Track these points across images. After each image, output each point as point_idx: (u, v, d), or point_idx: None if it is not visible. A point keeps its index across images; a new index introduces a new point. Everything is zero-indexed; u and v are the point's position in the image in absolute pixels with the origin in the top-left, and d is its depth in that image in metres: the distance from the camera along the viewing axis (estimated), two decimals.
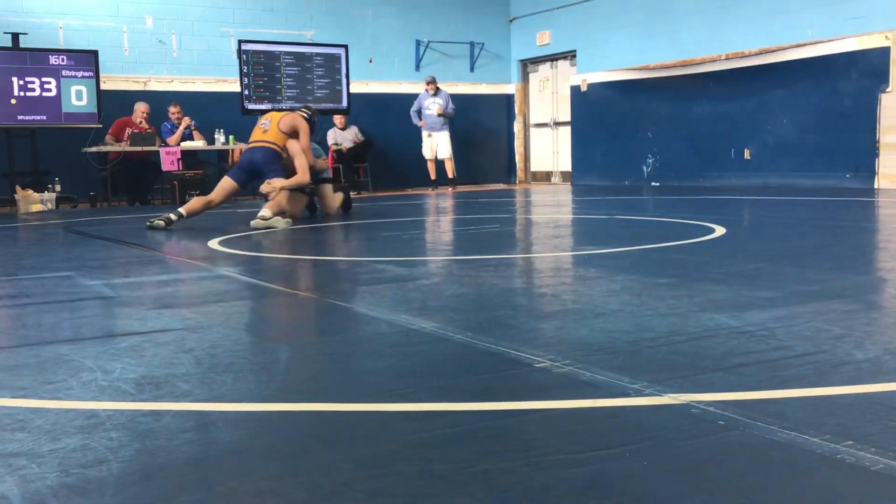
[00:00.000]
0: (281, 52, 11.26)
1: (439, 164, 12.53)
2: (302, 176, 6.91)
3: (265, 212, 6.43)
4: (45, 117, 9.90)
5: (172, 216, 6.51)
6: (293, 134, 7.03)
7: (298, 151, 6.96)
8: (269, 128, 7.02)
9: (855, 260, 4.12)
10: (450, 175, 12.50)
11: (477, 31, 13.92)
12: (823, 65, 9.88)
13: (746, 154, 10.87)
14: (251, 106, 11.00)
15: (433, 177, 12.52)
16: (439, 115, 12.25)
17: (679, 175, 11.73)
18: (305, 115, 7.24)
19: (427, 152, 12.54)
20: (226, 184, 6.97)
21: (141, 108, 10.58)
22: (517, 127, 14.62)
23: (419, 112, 12.47)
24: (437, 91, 12.33)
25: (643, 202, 8.83)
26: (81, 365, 2.19)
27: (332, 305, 3.08)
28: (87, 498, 1.33)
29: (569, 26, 13.31)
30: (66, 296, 3.44)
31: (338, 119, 12.16)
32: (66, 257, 4.96)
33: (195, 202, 6.95)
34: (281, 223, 6.44)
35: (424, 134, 12.48)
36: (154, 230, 6.34)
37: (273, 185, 6.74)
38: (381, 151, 13.04)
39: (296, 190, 7.03)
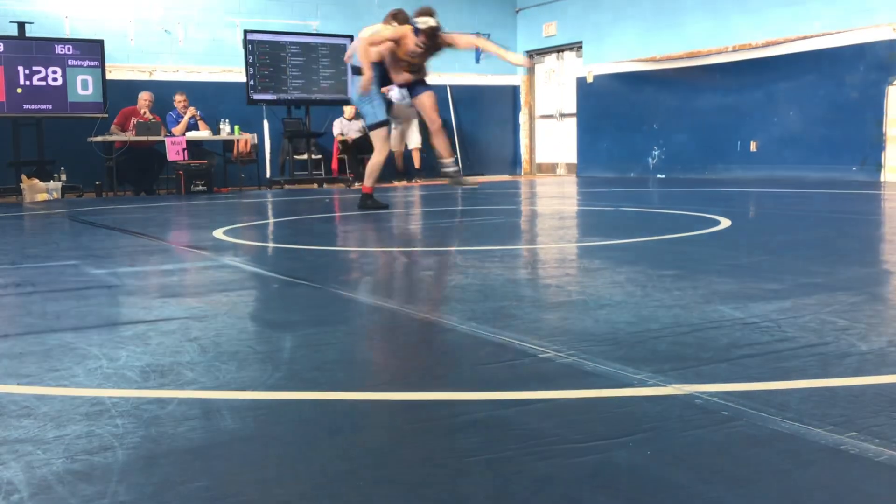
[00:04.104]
0: (287, 42, 11.25)
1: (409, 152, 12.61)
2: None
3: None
4: (50, 106, 9.92)
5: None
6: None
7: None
8: None
9: (860, 252, 4.11)
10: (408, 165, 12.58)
11: (483, 22, 13.88)
12: (830, 57, 9.84)
13: (753, 146, 10.84)
14: (256, 96, 11.01)
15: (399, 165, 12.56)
16: None
17: (685, 167, 11.71)
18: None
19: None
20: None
21: (145, 97, 10.58)
22: (523, 118, 14.60)
23: None
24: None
25: (648, 194, 8.81)
26: (87, 352, 2.20)
27: (336, 295, 3.09)
28: (93, 484, 1.33)
29: (575, 17, 13.27)
30: (71, 284, 3.45)
31: (348, 110, 12.13)
32: (72, 246, 4.97)
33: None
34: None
35: None
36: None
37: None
38: None
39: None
